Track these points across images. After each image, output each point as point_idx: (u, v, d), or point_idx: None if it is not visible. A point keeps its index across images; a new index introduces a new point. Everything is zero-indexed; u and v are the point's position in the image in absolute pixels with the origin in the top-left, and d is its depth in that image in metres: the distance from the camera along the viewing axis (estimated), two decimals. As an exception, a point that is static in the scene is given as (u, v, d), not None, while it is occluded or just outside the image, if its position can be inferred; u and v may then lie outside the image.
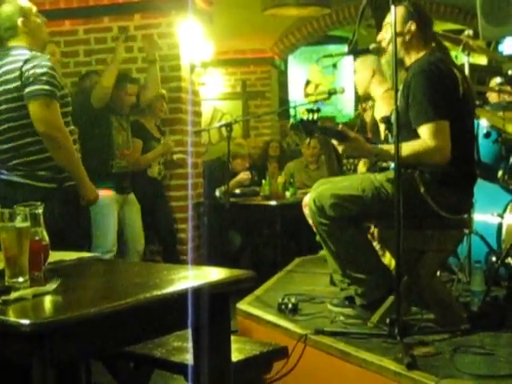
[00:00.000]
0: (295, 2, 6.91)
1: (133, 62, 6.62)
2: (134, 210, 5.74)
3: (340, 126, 3.67)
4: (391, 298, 3.50)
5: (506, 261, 4.07)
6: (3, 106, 3.79)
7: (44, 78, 3.75)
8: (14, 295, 2.01)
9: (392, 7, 3.37)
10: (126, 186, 5.66)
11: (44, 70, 3.77)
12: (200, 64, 7.07)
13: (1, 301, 1.96)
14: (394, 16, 3.38)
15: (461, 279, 4.32)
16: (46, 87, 3.74)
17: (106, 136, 5.54)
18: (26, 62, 3.76)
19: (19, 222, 2.12)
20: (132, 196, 5.76)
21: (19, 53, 3.85)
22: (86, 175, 3.99)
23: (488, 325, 3.56)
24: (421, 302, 3.69)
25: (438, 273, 4.00)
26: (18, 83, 3.75)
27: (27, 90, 3.73)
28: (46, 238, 2.32)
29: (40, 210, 2.27)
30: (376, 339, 3.40)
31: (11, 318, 1.84)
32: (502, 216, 4.41)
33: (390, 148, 3.58)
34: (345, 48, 4.18)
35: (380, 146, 3.64)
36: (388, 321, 3.38)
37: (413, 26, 3.66)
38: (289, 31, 10.65)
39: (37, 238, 2.24)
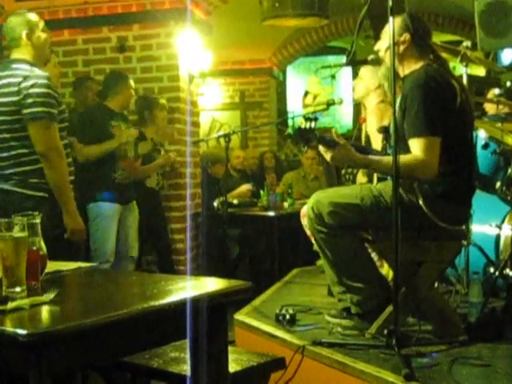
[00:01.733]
0: (294, 13, 6.91)
1: (131, 72, 6.61)
2: (132, 216, 5.72)
3: (333, 130, 3.67)
4: (389, 309, 3.50)
5: (504, 272, 4.07)
6: (3, 118, 3.86)
7: (43, 99, 3.83)
8: (11, 305, 2.00)
9: (390, 18, 3.38)
10: (129, 196, 5.65)
11: (43, 90, 3.83)
12: (199, 74, 7.08)
13: (-2, 311, 1.96)
14: (393, 27, 3.38)
15: (459, 290, 4.32)
16: (46, 109, 3.83)
17: None
18: (25, 78, 3.82)
19: (17, 232, 2.13)
20: (133, 204, 5.75)
21: (19, 67, 3.90)
22: (73, 203, 4.04)
23: (486, 336, 3.56)
24: (418, 313, 3.69)
25: (436, 284, 3.99)
26: (16, 98, 3.82)
27: (27, 111, 3.81)
28: (44, 247, 2.32)
29: (38, 220, 2.27)
30: (374, 350, 3.39)
31: (8, 327, 1.84)
32: (500, 227, 4.41)
33: (379, 159, 3.58)
34: (343, 59, 4.20)
35: (370, 156, 3.64)
36: (386, 332, 3.37)
37: (406, 38, 3.67)
38: (287, 42, 10.66)
39: (34, 247, 2.24)
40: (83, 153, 5.57)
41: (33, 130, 3.83)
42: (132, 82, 5.81)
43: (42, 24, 4.07)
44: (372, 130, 4.73)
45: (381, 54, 3.81)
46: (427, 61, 3.67)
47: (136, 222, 5.76)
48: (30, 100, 3.80)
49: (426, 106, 3.47)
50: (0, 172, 3.88)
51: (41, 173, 3.88)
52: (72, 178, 4.23)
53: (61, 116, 4.00)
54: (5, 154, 3.87)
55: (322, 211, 3.68)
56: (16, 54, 4.00)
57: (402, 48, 3.66)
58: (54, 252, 2.91)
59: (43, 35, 4.05)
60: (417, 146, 3.46)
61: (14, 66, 3.93)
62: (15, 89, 3.81)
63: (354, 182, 4.93)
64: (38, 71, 3.92)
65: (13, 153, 3.86)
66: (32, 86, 3.81)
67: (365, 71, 4.94)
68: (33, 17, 4.07)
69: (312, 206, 3.74)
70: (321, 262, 4.93)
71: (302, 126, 3.47)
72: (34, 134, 3.83)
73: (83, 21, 6.70)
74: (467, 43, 4.81)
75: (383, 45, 3.75)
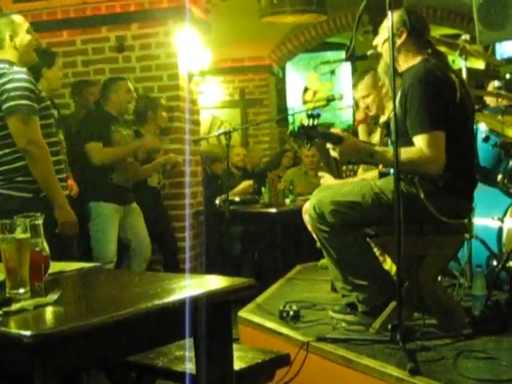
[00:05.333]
0: (292, 10, 6.91)
1: (130, 71, 6.62)
2: (138, 219, 5.75)
3: (333, 129, 3.67)
4: (393, 304, 3.50)
5: (507, 265, 4.07)
6: None
7: (21, 92, 3.78)
8: (15, 306, 2.01)
9: (389, 13, 3.37)
10: (127, 197, 5.67)
11: (20, 84, 3.80)
12: (198, 72, 7.08)
13: (2, 312, 1.96)
14: (391, 22, 3.38)
15: (462, 284, 4.32)
16: (24, 102, 3.78)
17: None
18: (1, 76, 3.79)
19: (19, 234, 2.13)
20: (134, 205, 5.76)
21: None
22: (63, 196, 3.98)
23: (490, 329, 3.56)
24: (422, 307, 3.69)
25: (439, 278, 3.99)
26: None
27: (5, 105, 3.77)
28: (47, 248, 2.33)
29: (40, 221, 2.27)
30: (378, 345, 3.39)
31: (12, 329, 1.84)
32: (502, 220, 4.41)
33: (384, 150, 3.59)
34: (342, 54, 4.20)
35: (376, 147, 3.64)
36: (390, 327, 3.37)
37: (403, 32, 3.67)
38: (286, 38, 10.65)
39: (37, 248, 2.24)
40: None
41: (12, 125, 3.77)
42: (131, 85, 5.81)
43: (26, 26, 4.04)
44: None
45: (379, 48, 3.81)
46: (425, 55, 3.67)
47: (142, 222, 5.77)
48: (6, 95, 3.76)
49: (427, 102, 3.47)
50: None
51: (25, 172, 3.82)
52: (64, 175, 4.19)
53: (45, 112, 3.96)
54: None
55: (323, 210, 3.68)
56: (0, 56, 3.95)
57: (398, 42, 3.65)
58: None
59: (27, 37, 4.01)
60: (422, 142, 3.45)
61: None
62: None
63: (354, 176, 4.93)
64: (15, 68, 3.87)
65: None
66: (8, 82, 3.77)
67: (363, 87, 4.82)
68: (17, 18, 4.03)
69: (314, 206, 3.73)
70: (323, 261, 4.94)
71: (305, 123, 3.47)
72: (13, 128, 3.77)
73: (82, 21, 6.69)
74: (466, 36, 4.80)
75: (380, 40, 3.76)
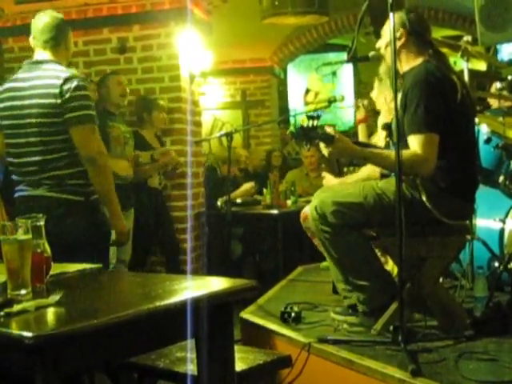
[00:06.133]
0: (294, 11, 6.91)
1: (132, 72, 6.62)
2: (128, 221, 5.74)
3: (328, 128, 3.66)
4: (394, 306, 3.50)
5: (509, 266, 4.07)
6: (36, 120, 3.66)
7: (87, 102, 3.71)
8: (16, 308, 2.01)
9: (390, 14, 3.38)
10: (126, 203, 5.62)
11: (85, 92, 3.71)
12: (200, 74, 7.08)
13: (3, 313, 1.96)
14: (393, 23, 3.38)
15: (464, 285, 4.32)
16: (91, 112, 3.71)
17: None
18: (66, 80, 3.64)
19: (21, 235, 2.13)
20: (131, 210, 5.76)
21: (53, 68, 3.74)
22: (119, 206, 3.91)
23: (492, 330, 3.56)
24: (424, 308, 3.69)
25: (441, 279, 3.99)
26: (56, 101, 3.63)
27: (72, 114, 3.64)
28: (48, 250, 2.33)
29: (42, 222, 2.27)
30: (380, 347, 3.39)
31: (14, 330, 1.84)
32: (503, 221, 4.41)
33: (379, 152, 3.58)
34: (344, 56, 4.20)
35: (370, 149, 3.64)
36: (391, 328, 3.37)
37: (402, 34, 3.67)
38: (288, 40, 10.65)
39: (39, 250, 2.24)
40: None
41: (79, 135, 3.66)
42: (121, 78, 5.82)
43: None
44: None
45: (381, 51, 3.81)
46: (426, 56, 3.67)
47: (131, 226, 5.76)
48: (74, 103, 3.64)
49: (426, 103, 3.47)
50: (29, 177, 3.72)
51: (77, 176, 3.72)
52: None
53: None
54: (40, 158, 3.68)
55: (325, 211, 3.68)
56: (46, 55, 3.81)
57: (398, 44, 3.65)
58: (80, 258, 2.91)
59: (72, 42, 3.99)
60: (415, 142, 3.46)
61: (47, 66, 3.75)
62: (55, 91, 3.62)
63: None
64: (75, 72, 3.79)
65: (48, 157, 3.68)
66: (75, 89, 3.64)
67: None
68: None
69: (315, 207, 3.73)
70: (325, 262, 4.94)
71: (305, 125, 3.47)
72: (80, 138, 3.66)
73: (83, 22, 6.68)
74: (468, 38, 4.80)
75: (383, 42, 3.76)
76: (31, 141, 3.69)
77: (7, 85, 3.83)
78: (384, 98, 4.76)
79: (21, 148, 3.73)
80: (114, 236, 3.91)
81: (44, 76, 3.71)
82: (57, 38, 3.83)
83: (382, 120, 4.77)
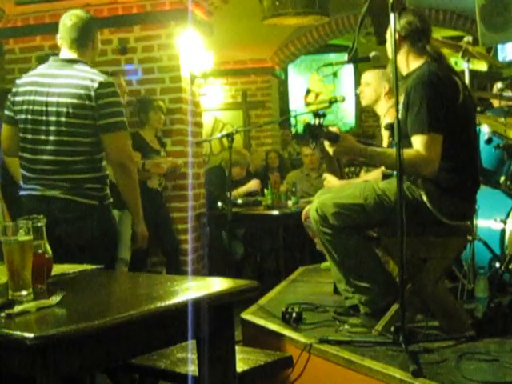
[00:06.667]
0: (294, 12, 6.91)
1: (133, 74, 6.63)
2: (127, 220, 5.72)
3: (331, 127, 3.66)
4: (395, 306, 3.50)
5: (510, 266, 4.07)
6: (61, 119, 3.60)
7: (121, 108, 3.71)
8: (17, 308, 2.01)
9: (391, 14, 3.37)
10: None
11: (119, 99, 3.71)
12: (200, 75, 7.08)
13: (5, 314, 1.96)
14: (394, 24, 3.38)
15: (465, 286, 4.31)
16: (124, 119, 3.71)
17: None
18: (102, 84, 3.62)
19: (22, 236, 2.13)
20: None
21: (85, 69, 3.71)
22: (141, 210, 3.95)
23: (493, 331, 3.56)
24: (425, 309, 3.69)
25: (442, 280, 3.99)
26: (86, 102, 3.59)
27: (108, 120, 3.61)
28: (49, 250, 2.33)
29: (43, 223, 2.27)
30: (381, 347, 3.39)
31: (15, 331, 1.84)
32: (504, 222, 4.41)
33: (382, 152, 3.58)
34: (345, 57, 4.20)
35: (373, 148, 3.63)
36: (393, 329, 3.37)
37: (406, 35, 3.66)
38: (289, 40, 10.65)
39: (40, 251, 2.24)
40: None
41: (112, 140, 3.65)
42: (121, 80, 5.77)
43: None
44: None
45: (389, 53, 3.77)
46: (428, 57, 3.67)
47: (130, 224, 5.75)
48: (110, 109, 3.62)
49: (429, 103, 3.47)
50: (43, 176, 3.65)
51: (94, 180, 3.67)
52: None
53: None
54: (57, 158, 3.62)
55: (326, 212, 3.68)
56: (74, 55, 3.78)
57: (401, 45, 3.65)
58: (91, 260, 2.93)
59: (99, 42, 3.97)
60: (419, 143, 3.45)
61: (77, 66, 3.71)
62: (88, 92, 3.59)
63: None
64: (109, 77, 3.78)
65: (68, 159, 3.62)
66: (111, 95, 3.63)
67: (370, 76, 4.90)
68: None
69: (316, 208, 3.73)
70: (326, 263, 4.94)
71: (311, 122, 3.47)
72: (113, 143, 3.66)
73: (84, 23, 6.69)
74: (468, 38, 4.80)
75: (388, 45, 3.73)
76: (52, 139, 3.62)
77: (29, 78, 3.77)
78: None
79: (39, 145, 3.65)
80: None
81: (77, 76, 3.66)
82: (84, 39, 3.80)
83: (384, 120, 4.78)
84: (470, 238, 4.07)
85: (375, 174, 4.38)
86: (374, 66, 4.90)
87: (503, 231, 4.40)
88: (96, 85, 3.60)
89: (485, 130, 4.45)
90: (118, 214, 5.54)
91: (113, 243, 3.86)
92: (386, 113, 4.82)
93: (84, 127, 3.61)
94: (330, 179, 4.74)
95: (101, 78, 3.66)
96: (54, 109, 3.61)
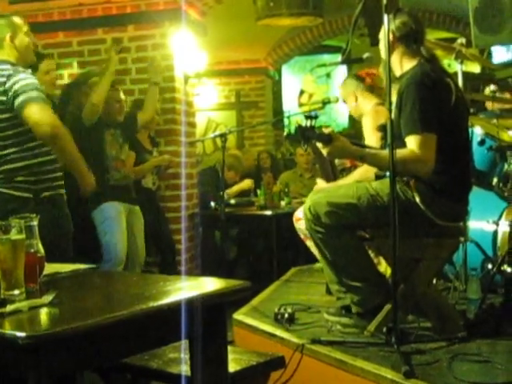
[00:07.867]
0: (288, 12, 6.91)
1: (127, 73, 6.62)
2: (138, 225, 5.73)
3: (324, 129, 3.66)
4: (388, 307, 3.50)
5: (502, 268, 4.07)
6: None
7: (32, 86, 3.79)
8: (9, 308, 2.01)
9: (385, 16, 3.38)
10: (128, 197, 5.64)
11: (30, 80, 3.82)
12: (194, 75, 7.08)
13: (-4, 313, 1.96)
14: (388, 25, 3.39)
15: (457, 287, 4.32)
16: (36, 93, 3.78)
17: (99, 150, 5.51)
18: (8, 77, 3.79)
19: (14, 235, 2.12)
20: (137, 208, 5.75)
21: (2, 68, 3.86)
22: (84, 164, 4.13)
23: (485, 332, 3.56)
24: (417, 310, 3.69)
25: (434, 281, 4.00)
26: (3, 98, 3.77)
27: (19, 100, 3.75)
28: (42, 250, 2.32)
29: (35, 222, 2.27)
30: (373, 348, 3.40)
31: (7, 330, 1.84)
32: (497, 223, 4.41)
33: (375, 153, 3.58)
34: (338, 58, 4.20)
35: (367, 149, 3.64)
36: (385, 329, 3.38)
37: (399, 36, 3.66)
38: (282, 41, 10.66)
39: (32, 250, 2.24)
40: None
41: (31, 115, 3.75)
42: (118, 93, 5.75)
43: (26, 28, 4.06)
44: (367, 131, 4.74)
45: (382, 54, 3.78)
46: (421, 59, 3.67)
47: (141, 227, 5.76)
48: (17, 92, 3.75)
49: (422, 103, 3.47)
50: None
51: (26, 172, 3.82)
52: (58, 174, 4.10)
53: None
54: None
55: (319, 211, 3.68)
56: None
57: (395, 46, 3.65)
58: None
59: (26, 39, 4.04)
60: (413, 143, 3.45)
61: None
62: (2, 88, 3.77)
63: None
64: (21, 69, 3.88)
65: (3, 152, 3.81)
66: (18, 81, 3.77)
67: (341, 93, 5.13)
68: (17, 20, 4.05)
69: (309, 207, 3.73)
70: (318, 264, 4.94)
71: (303, 124, 3.47)
72: (33, 117, 3.75)
73: (78, 22, 6.69)
74: (462, 40, 4.81)
75: (382, 45, 3.75)
76: None
77: None
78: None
79: None
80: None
81: None
82: (1, 40, 3.96)
83: (367, 121, 4.80)
84: (462, 239, 4.08)
85: (361, 170, 4.39)
86: (368, 66, 4.91)
87: (495, 233, 4.41)
88: (5, 79, 3.78)
89: (478, 131, 4.47)
90: (122, 208, 5.54)
91: (64, 237, 3.93)
92: (368, 112, 4.85)
93: (7, 120, 3.80)
94: (319, 183, 4.76)
95: (10, 71, 3.82)
96: None
